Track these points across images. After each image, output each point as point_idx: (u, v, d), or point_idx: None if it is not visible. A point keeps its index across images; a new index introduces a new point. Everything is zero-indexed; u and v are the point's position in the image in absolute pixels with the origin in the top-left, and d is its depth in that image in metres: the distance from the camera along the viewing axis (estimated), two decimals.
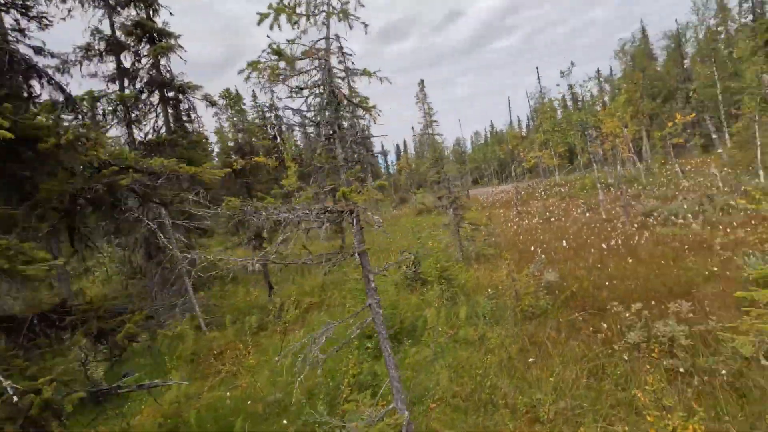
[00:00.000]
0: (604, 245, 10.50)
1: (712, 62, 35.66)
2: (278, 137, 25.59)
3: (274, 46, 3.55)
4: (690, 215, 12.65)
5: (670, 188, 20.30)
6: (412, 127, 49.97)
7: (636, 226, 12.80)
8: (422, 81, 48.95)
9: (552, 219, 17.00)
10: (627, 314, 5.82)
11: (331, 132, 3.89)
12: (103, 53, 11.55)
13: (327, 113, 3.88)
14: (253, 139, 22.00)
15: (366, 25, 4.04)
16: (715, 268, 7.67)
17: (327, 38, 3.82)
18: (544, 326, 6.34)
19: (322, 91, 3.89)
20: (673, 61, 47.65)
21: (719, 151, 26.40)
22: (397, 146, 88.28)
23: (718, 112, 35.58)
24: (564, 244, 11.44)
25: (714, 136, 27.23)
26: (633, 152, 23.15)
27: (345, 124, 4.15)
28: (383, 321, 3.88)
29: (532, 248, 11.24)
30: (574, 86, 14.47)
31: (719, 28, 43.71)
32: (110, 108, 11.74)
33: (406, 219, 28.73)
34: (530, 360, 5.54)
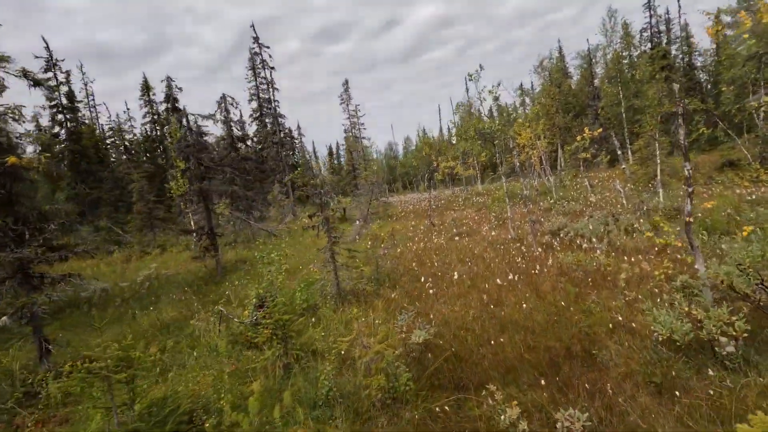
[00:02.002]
0: (500, 280, 8.96)
1: (617, 82, 37.83)
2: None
3: None
4: (595, 238, 11.77)
5: (579, 203, 20.14)
6: (351, 131, 47.69)
7: (541, 249, 11.60)
8: (347, 81, 47.01)
9: (461, 235, 15.63)
10: (505, 412, 3.99)
11: None
12: None
13: None
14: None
15: None
16: (620, 317, 6.29)
17: None
18: (395, 425, 4.35)
19: None
20: (585, 80, 50.68)
21: (623, 167, 27.41)
22: (330, 148, 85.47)
23: (623, 129, 37.76)
24: (458, 274, 9.79)
25: (619, 152, 28.24)
26: (547, 165, 22.93)
27: None
28: None
29: (423, 278, 9.44)
30: (482, 92, 13.06)
31: (624, 53, 47.12)
32: None
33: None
34: None
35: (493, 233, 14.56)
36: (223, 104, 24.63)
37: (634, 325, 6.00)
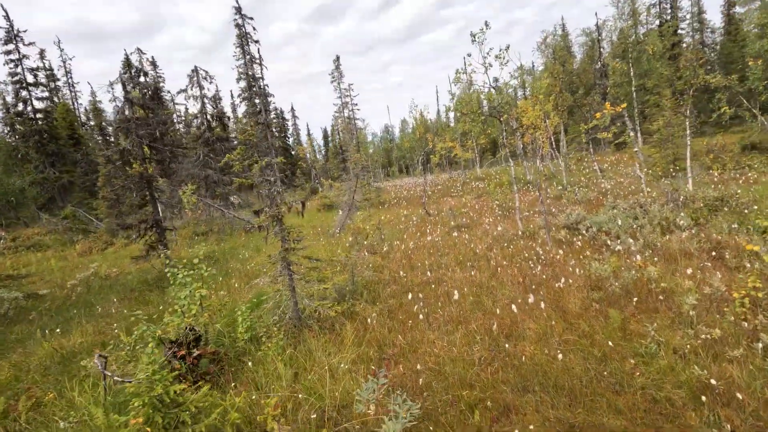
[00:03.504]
0: (513, 299, 6.79)
1: (629, 58, 35.22)
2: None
3: None
4: (625, 234, 9.58)
5: (591, 189, 17.92)
6: (342, 111, 44.99)
7: (561, 252, 9.41)
8: (338, 57, 44.00)
9: (460, 228, 13.42)
10: None
11: None
12: None
13: None
14: None
15: None
16: (706, 375, 4.13)
17: None
18: None
19: None
20: (590, 58, 47.99)
21: (635, 150, 25.13)
22: (324, 129, 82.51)
23: (632, 109, 35.32)
24: (458, 287, 7.61)
25: (632, 134, 25.94)
26: (554, 147, 20.61)
27: None
28: None
29: (411, 296, 7.23)
30: (488, 56, 10.67)
31: (630, 30, 44.38)
32: None
33: (306, 217, 24.02)
34: None
35: (498, 227, 12.35)
36: (195, 78, 22.07)
37: (732, 388, 3.85)
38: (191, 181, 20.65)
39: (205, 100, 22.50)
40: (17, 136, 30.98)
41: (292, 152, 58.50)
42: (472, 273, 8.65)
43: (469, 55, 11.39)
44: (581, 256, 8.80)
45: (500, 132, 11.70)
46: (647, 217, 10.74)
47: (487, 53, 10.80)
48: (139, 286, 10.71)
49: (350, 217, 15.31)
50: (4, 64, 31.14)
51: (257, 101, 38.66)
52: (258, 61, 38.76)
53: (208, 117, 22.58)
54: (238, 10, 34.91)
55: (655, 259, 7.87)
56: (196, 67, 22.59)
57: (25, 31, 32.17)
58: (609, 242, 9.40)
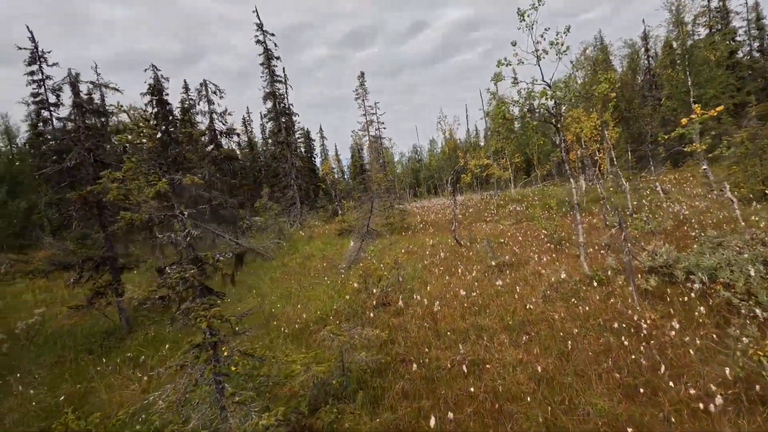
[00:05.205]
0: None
1: (685, 67, 31.47)
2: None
3: None
4: (763, 290, 6.36)
5: (663, 217, 14.45)
6: (367, 130, 43.09)
7: (656, 312, 6.31)
8: (362, 74, 42.19)
9: (501, 267, 10.40)
10: None
11: None
12: None
13: None
14: None
15: None
16: None
17: None
18: None
19: None
20: (632, 70, 44.28)
21: (704, 167, 21.32)
22: (352, 150, 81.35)
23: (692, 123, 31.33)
24: (511, 406, 4.68)
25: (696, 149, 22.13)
26: (614, 163, 17.31)
27: None
28: None
29: (433, 401, 4.36)
30: (541, 43, 7.96)
31: (686, 38, 40.68)
32: None
33: (319, 242, 21.51)
34: None
35: (560, 272, 9.29)
36: (204, 92, 20.42)
37: None
38: (193, 204, 18.65)
39: (214, 116, 20.79)
40: (36, 157, 30.44)
41: (318, 173, 56.98)
42: (528, 354, 5.67)
43: (514, 44, 8.67)
44: (700, 330, 5.67)
45: (558, 142, 8.79)
46: None
47: (541, 37, 8.04)
48: (83, 341, 8.33)
49: (364, 249, 12.60)
50: (27, 85, 31.02)
51: (282, 120, 37.29)
52: (282, 79, 37.56)
53: (216, 134, 20.77)
54: (260, 26, 33.87)
55: None
56: (204, 80, 21.04)
57: (49, 52, 32.16)
58: (736, 302, 6.21)
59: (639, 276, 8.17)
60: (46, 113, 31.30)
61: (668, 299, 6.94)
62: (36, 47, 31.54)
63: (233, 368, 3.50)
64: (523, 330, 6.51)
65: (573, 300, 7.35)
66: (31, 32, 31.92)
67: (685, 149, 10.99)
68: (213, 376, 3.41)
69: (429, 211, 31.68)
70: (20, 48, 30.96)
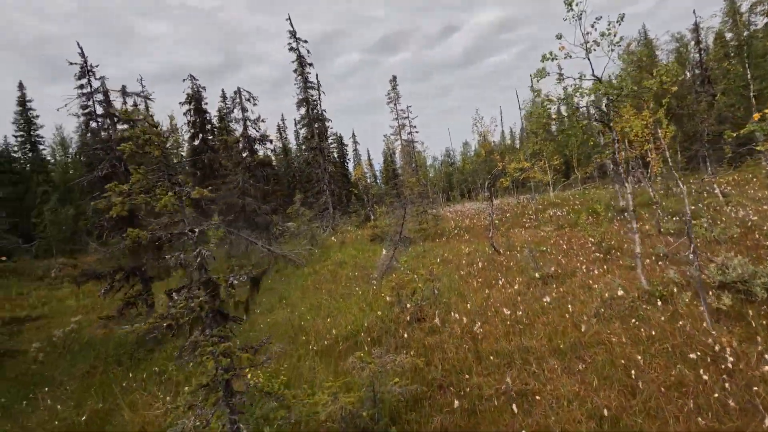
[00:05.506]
0: None
1: (744, 59, 29.08)
2: None
3: None
4: None
5: (727, 223, 13.03)
6: (399, 134, 42.71)
7: (735, 338, 5.43)
8: (395, 78, 41.81)
9: (546, 279, 9.59)
10: None
11: None
12: None
13: None
14: None
15: None
16: None
17: None
18: None
19: None
20: (681, 65, 41.57)
21: None
22: (385, 155, 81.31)
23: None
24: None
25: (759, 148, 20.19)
26: (671, 165, 15.98)
27: None
28: None
29: None
30: (591, 33, 7.23)
31: (730, 33, 37.89)
32: None
33: (351, 248, 21.19)
34: None
35: (604, 280, 8.45)
36: (238, 100, 20.71)
37: None
38: (228, 211, 18.83)
39: (248, 123, 21.05)
40: (85, 166, 32.15)
41: (351, 178, 57.13)
42: (587, 381, 4.97)
43: (559, 37, 7.95)
44: None
45: (610, 141, 7.96)
46: None
47: (592, 27, 7.30)
48: (114, 351, 8.29)
49: (397, 257, 12.11)
50: (77, 98, 32.83)
51: (315, 126, 37.58)
52: (315, 85, 37.89)
53: (250, 141, 20.98)
54: (293, 33, 34.29)
55: None
56: (238, 88, 21.34)
57: (96, 66, 33.74)
58: None
59: (709, 293, 7.20)
60: (94, 124, 33.03)
61: (749, 321, 6.00)
62: (85, 62, 33.20)
63: (250, 407, 3.10)
64: (576, 355, 5.79)
65: (632, 320, 6.52)
66: (81, 48, 33.70)
67: (757, 148, 9.76)
68: (228, 415, 3.02)
69: (463, 216, 30.79)
70: (71, 63, 32.80)
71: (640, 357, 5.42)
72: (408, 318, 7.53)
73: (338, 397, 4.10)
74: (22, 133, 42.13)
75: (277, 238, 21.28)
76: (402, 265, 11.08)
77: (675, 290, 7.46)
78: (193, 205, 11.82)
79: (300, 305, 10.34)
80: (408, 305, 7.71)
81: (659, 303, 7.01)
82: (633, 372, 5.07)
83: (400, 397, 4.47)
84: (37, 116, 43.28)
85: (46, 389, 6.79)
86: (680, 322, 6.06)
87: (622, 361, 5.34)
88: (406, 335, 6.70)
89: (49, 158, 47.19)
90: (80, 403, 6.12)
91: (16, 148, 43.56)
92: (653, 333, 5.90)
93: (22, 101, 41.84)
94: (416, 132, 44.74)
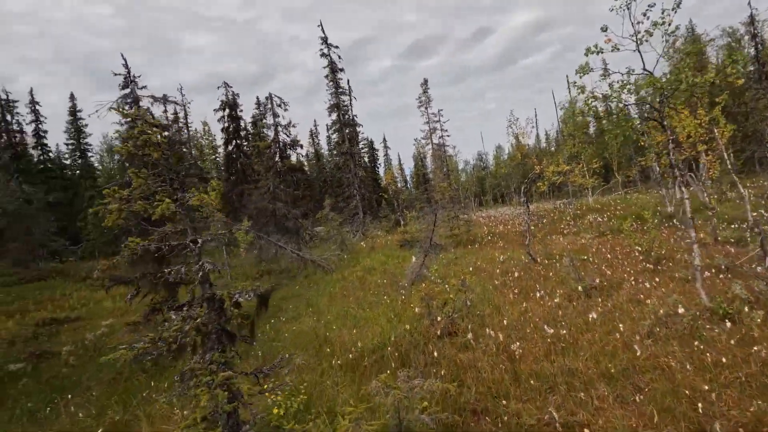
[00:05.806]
0: None
1: None
2: None
3: None
4: None
5: None
6: (430, 138, 42.30)
7: None
8: (426, 81, 41.36)
9: (588, 291, 8.82)
10: None
11: None
12: None
13: None
14: None
15: None
16: None
17: None
18: None
19: None
20: (733, 60, 38.83)
21: None
22: (415, 158, 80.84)
23: None
24: None
25: None
26: (729, 166, 14.67)
27: None
28: None
29: None
30: (641, 23, 6.55)
31: None
32: None
33: (380, 254, 20.83)
34: None
35: (657, 293, 7.64)
36: (269, 106, 20.90)
37: None
38: (258, 215, 18.94)
39: (279, 128, 21.19)
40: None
41: (381, 183, 57.02)
42: (644, 413, 4.33)
43: (604, 29, 7.28)
44: None
45: (669, 139, 7.18)
46: None
47: (644, 15, 6.61)
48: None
49: (427, 265, 11.62)
50: (107, 104, 34.50)
51: (346, 131, 37.72)
52: (346, 91, 38.09)
53: (281, 146, 21.11)
54: (324, 40, 34.57)
55: None
56: (270, 94, 21.53)
57: (139, 76, 35.24)
58: None
59: None
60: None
61: None
62: (129, 73, 34.89)
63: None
64: (630, 381, 5.12)
65: (695, 342, 5.76)
66: (124, 59, 35.35)
67: None
68: None
69: (496, 222, 29.80)
70: (116, 74, 34.51)
71: (706, 387, 4.70)
72: (438, 332, 7.04)
73: (360, 425, 3.69)
74: (72, 141, 44.78)
75: (306, 243, 21.24)
76: (432, 273, 10.57)
77: (744, 308, 6.59)
78: (223, 210, 11.73)
79: (327, 313, 10.04)
80: (438, 317, 7.21)
81: (726, 323, 6.18)
82: (700, 405, 4.38)
83: (429, 427, 4.01)
84: (86, 125, 45.80)
85: (70, 396, 6.78)
86: (755, 348, 5.27)
87: (686, 392, 4.65)
88: (435, 353, 6.21)
89: (96, 164, 49.90)
90: (102, 412, 6.02)
91: (67, 155, 46.24)
92: (722, 359, 5.14)
93: (73, 111, 44.42)
94: (448, 136, 44.08)
